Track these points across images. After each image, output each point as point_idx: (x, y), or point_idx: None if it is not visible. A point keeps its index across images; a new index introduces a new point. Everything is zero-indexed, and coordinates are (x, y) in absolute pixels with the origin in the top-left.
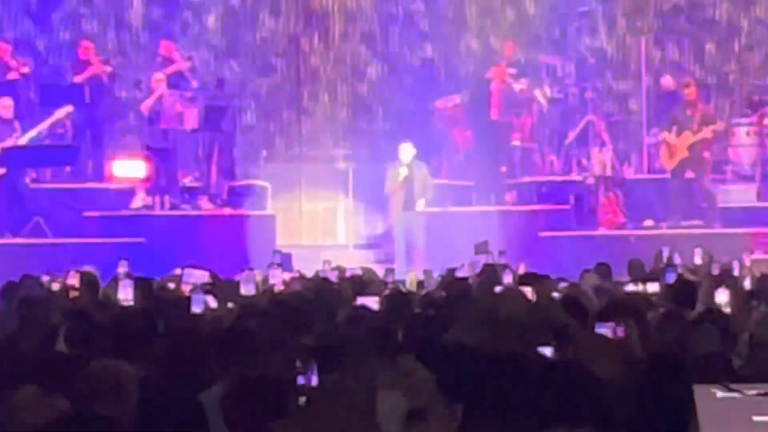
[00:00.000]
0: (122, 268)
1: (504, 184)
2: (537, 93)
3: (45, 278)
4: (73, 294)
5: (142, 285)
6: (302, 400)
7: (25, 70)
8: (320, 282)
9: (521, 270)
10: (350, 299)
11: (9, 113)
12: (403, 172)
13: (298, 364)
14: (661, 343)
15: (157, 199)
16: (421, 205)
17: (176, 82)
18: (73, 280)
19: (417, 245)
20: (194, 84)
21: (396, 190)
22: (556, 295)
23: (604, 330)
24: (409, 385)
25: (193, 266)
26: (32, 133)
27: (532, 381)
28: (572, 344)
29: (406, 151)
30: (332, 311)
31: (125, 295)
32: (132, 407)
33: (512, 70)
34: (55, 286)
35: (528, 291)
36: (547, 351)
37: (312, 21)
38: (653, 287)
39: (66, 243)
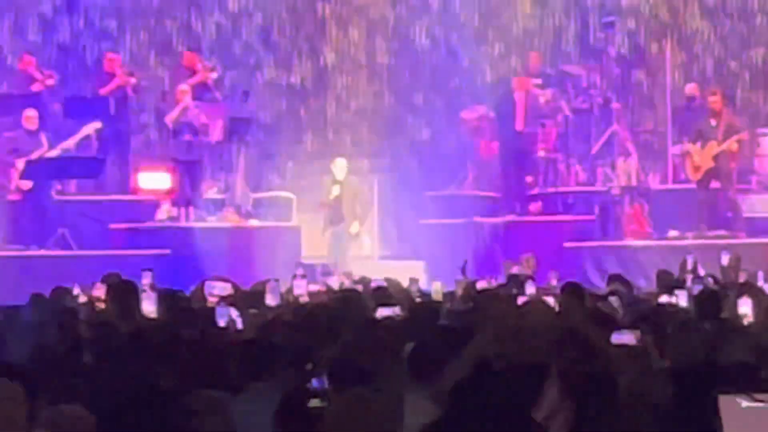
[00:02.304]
0: (146, 280)
1: (529, 194)
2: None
3: (76, 290)
4: (99, 306)
5: (165, 297)
6: (314, 402)
7: (50, 82)
8: (345, 293)
9: (553, 281)
10: (374, 310)
11: (34, 125)
12: (335, 191)
13: (308, 366)
14: (686, 353)
15: (182, 210)
16: (355, 227)
17: (200, 93)
18: (100, 292)
19: (344, 259)
20: (218, 95)
21: (326, 206)
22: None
23: (629, 340)
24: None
25: (217, 278)
26: (61, 147)
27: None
28: (597, 355)
29: (340, 167)
30: (357, 322)
31: (149, 307)
32: None
33: (537, 81)
34: (83, 298)
35: (551, 301)
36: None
37: (333, 31)
38: (681, 297)
39: (91, 255)
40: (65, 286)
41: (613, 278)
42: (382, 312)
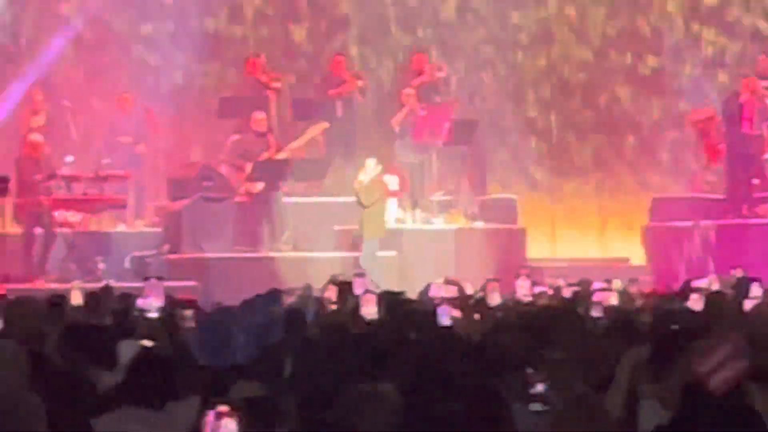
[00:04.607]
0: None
1: (757, 196)
2: None
3: (298, 291)
4: (330, 306)
5: (388, 299)
6: (535, 406)
7: (277, 84)
8: (569, 296)
9: None
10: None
11: (262, 127)
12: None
13: (529, 370)
14: None
15: (409, 212)
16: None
17: (427, 94)
18: (330, 293)
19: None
20: (445, 97)
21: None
22: None
23: None
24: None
25: (443, 280)
26: (291, 147)
27: None
28: None
29: (369, 167)
30: (580, 325)
31: (369, 309)
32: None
33: (765, 83)
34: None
35: None
36: None
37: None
38: None
39: (316, 257)
40: (291, 287)
41: None
42: (598, 296)
